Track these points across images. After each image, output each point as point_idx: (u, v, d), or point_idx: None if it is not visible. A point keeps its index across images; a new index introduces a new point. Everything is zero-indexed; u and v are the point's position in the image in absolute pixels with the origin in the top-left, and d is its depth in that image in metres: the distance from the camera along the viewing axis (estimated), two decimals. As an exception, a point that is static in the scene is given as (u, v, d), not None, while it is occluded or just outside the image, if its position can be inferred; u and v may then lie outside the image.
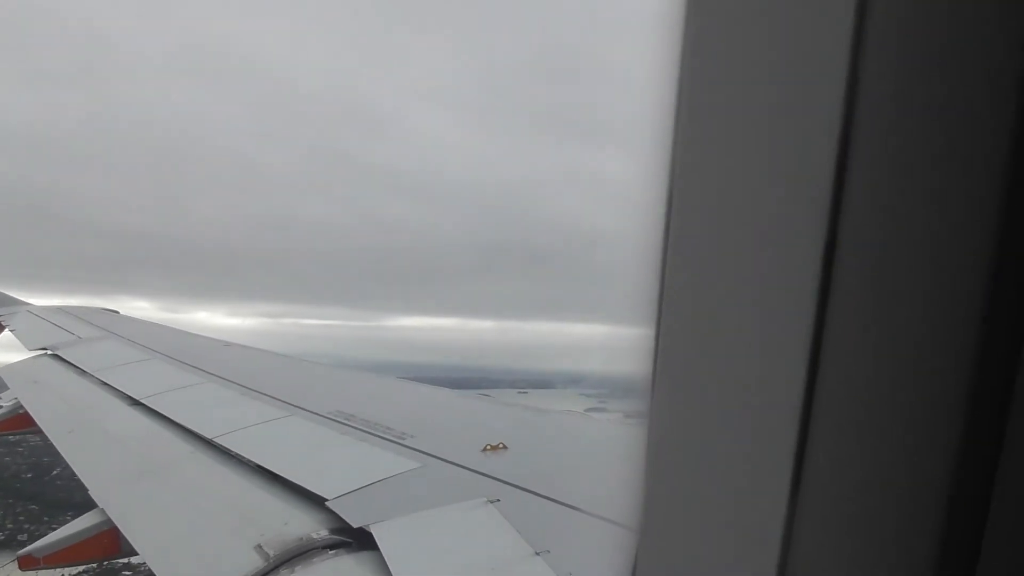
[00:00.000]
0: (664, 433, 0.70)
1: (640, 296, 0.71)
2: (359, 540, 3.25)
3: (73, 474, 4.78)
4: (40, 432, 6.17)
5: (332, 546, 3.27)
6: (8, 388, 7.46)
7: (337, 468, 4.20)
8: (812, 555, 0.60)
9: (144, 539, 3.78)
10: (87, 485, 4.53)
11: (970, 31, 0.51)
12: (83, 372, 7.59)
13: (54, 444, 5.52)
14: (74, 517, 4.43)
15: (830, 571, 0.60)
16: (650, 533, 0.72)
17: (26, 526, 31.11)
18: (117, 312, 12.60)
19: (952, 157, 0.52)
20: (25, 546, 4.38)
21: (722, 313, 0.63)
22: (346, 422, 5.07)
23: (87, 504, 4.45)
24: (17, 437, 7.03)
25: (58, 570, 4.27)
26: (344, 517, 3.42)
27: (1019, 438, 0.53)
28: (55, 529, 4.41)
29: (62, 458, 5.23)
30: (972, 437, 0.54)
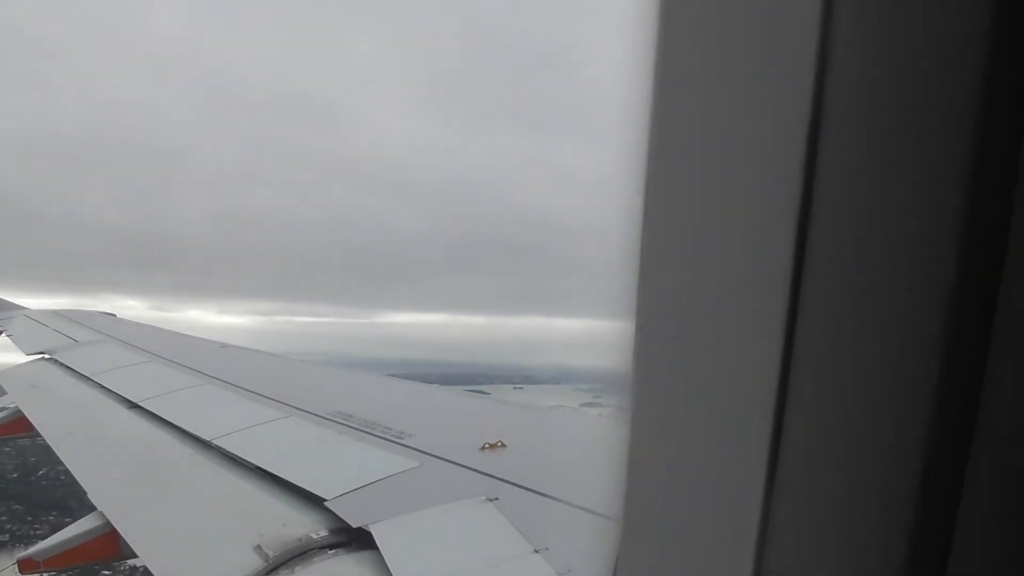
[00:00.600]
0: (643, 428, 0.70)
1: (620, 291, 0.72)
2: (358, 540, 3.23)
3: (59, 475, 4.77)
4: (36, 435, 6.16)
5: (331, 546, 3.25)
6: (6, 393, 7.43)
7: (336, 468, 4.19)
8: (787, 547, 0.60)
9: (144, 541, 3.76)
10: (86, 488, 4.50)
11: (935, 25, 0.51)
12: (81, 376, 7.53)
13: (52, 448, 5.50)
14: (58, 517, 4.41)
15: (805, 562, 0.60)
16: (631, 527, 0.73)
17: (8, 527, 30.52)
18: (114, 315, 12.56)
19: (920, 152, 0.53)
20: (6, 546, 4.36)
21: (696, 308, 0.64)
22: (344, 422, 5.06)
23: (71, 504, 4.43)
24: (5, 437, 7.01)
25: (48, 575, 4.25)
26: (343, 517, 3.41)
27: (989, 433, 0.53)
28: (37, 529, 4.39)
29: (49, 459, 5.20)
30: (942, 433, 0.54)
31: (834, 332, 0.57)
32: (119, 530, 3.96)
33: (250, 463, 4.43)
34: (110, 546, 4.11)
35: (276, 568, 3.12)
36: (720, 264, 0.62)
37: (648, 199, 0.67)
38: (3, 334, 10.57)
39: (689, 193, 0.64)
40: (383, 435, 4.70)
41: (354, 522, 3.34)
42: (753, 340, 0.60)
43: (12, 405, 6.98)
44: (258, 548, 3.28)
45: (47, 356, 8.75)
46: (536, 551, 2.87)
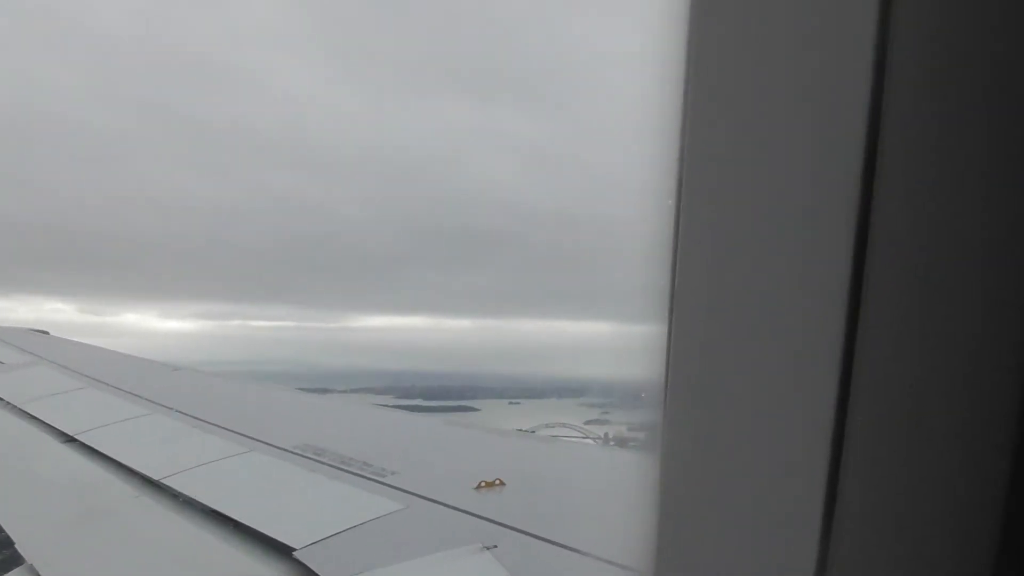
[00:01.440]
0: (680, 448, 0.70)
1: (645, 291, 0.72)
2: (334, 597, 3.22)
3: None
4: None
5: (302, 604, 3.24)
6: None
7: (306, 512, 4.16)
8: None
9: (81, 600, 3.73)
10: (13, 537, 4.45)
11: (1002, 18, 0.53)
12: (6, 404, 7.46)
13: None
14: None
15: None
16: (668, 562, 0.72)
17: None
18: (47, 333, 12.53)
19: (990, 147, 0.55)
20: None
21: (743, 311, 0.64)
22: (316, 457, 5.04)
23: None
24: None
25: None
26: (315, 569, 3.37)
27: None
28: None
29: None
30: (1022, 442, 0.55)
31: (899, 340, 0.58)
32: (52, 587, 3.91)
33: (206, 506, 4.38)
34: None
35: (237, 631, 3.08)
36: (771, 262, 0.63)
37: (687, 189, 0.67)
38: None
39: (735, 183, 0.65)
40: (361, 472, 4.68)
41: (328, 575, 3.30)
42: (811, 346, 0.60)
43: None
44: (216, 608, 3.24)
45: (-32, 381, 8.70)
46: (542, 609, 2.83)
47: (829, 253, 0.59)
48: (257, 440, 5.56)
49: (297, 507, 4.30)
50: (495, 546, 3.39)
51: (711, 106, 0.66)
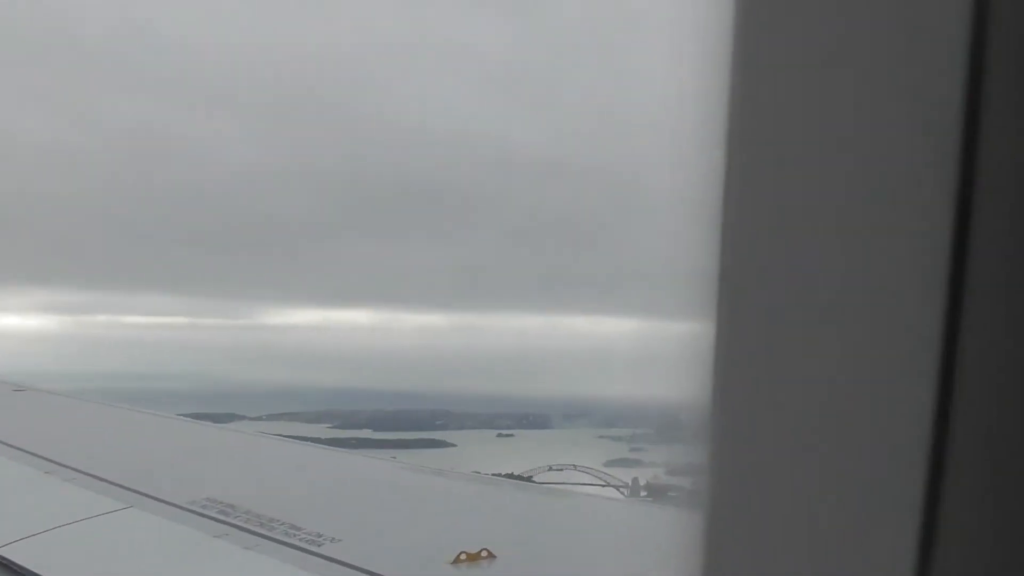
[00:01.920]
0: (730, 492, 0.73)
1: (685, 275, 0.75)
2: None
3: None
4: None
5: None
6: None
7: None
8: None
9: None
10: None
11: None
12: None
13: None
14: None
15: None
16: None
17: None
18: None
19: None
20: None
21: (818, 304, 0.68)
22: (222, 517, 5.07)
23: None
24: None
25: None
26: None
27: None
28: None
29: None
30: None
31: (1009, 340, 0.63)
32: None
33: (62, 589, 4.36)
34: None
35: None
36: (853, 243, 0.67)
37: (743, 144, 0.71)
38: None
39: (807, 139, 0.69)
40: (287, 539, 4.70)
41: None
42: (903, 359, 0.65)
43: None
44: None
45: None
46: None
47: (925, 235, 0.64)
48: (137, 492, 5.58)
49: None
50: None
51: (779, 39, 0.70)
